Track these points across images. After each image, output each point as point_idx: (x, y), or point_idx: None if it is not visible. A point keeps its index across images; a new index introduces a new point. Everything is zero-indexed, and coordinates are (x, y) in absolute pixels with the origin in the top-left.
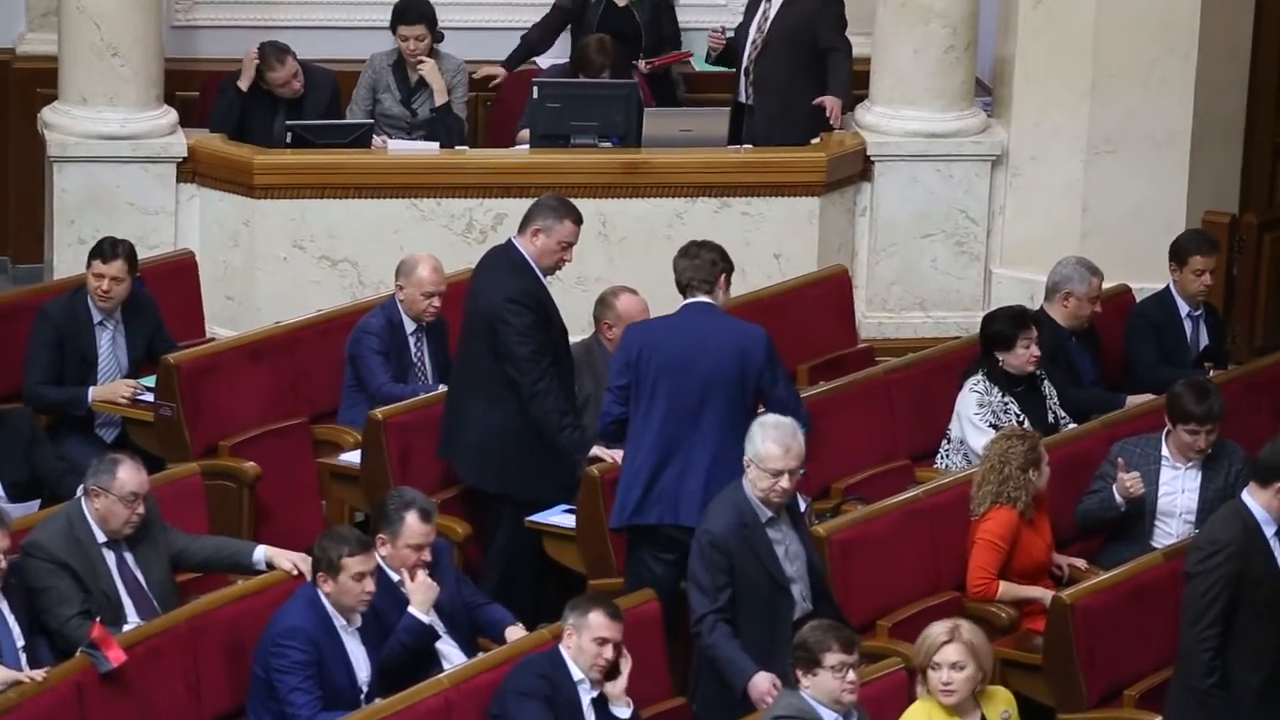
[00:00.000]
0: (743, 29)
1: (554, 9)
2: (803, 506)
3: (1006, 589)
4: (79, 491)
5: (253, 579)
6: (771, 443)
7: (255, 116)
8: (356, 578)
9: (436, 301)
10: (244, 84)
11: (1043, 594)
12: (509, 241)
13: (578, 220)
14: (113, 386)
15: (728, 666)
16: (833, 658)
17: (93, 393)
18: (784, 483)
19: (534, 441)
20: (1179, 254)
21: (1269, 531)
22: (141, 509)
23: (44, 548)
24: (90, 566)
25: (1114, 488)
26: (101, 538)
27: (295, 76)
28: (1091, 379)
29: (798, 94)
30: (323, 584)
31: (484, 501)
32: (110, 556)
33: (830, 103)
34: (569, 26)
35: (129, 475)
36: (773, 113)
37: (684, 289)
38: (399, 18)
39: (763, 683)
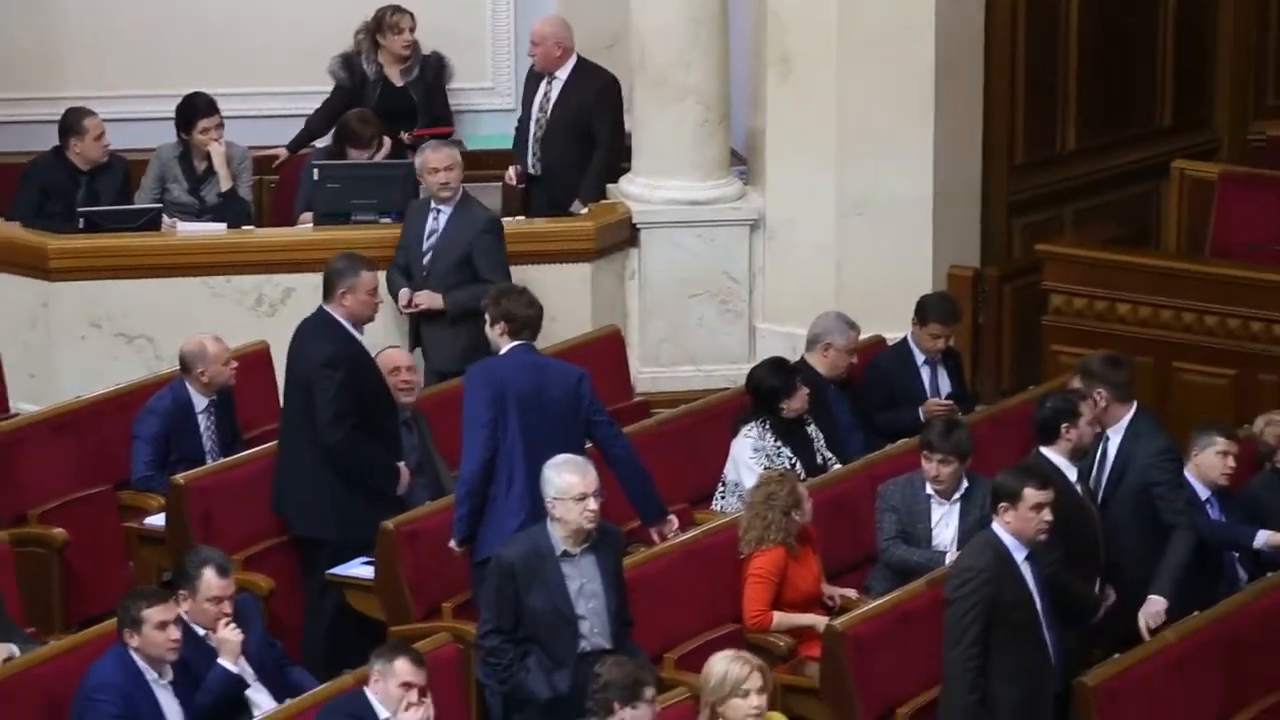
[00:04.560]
0: (526, 103)
1: (334, 91)
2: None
3: (780, 618)
4: None
5: (65, 638)
6: (568, 474)
7: (56, 198)
8: (159, 627)
9: (234, 364)
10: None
11: (814, 620)
12: (320, 309)
13: (371, 267)
14: None
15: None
16: (650, 691)
17: None
18: (591, 504)
19: (359, 491)
20: (921, 314)
21: (1019, 556)
22: None
23: None
24: None
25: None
26: None
27: (103, 136)
28: (849, 424)
29: (579, 172)
30: (129, 639)
31: (306, 551)
32: None
33: (578, 210)
34: (348, 108)
35: None
36: (555, 188)
37: (517, 332)
38: (195, 113)
39: None
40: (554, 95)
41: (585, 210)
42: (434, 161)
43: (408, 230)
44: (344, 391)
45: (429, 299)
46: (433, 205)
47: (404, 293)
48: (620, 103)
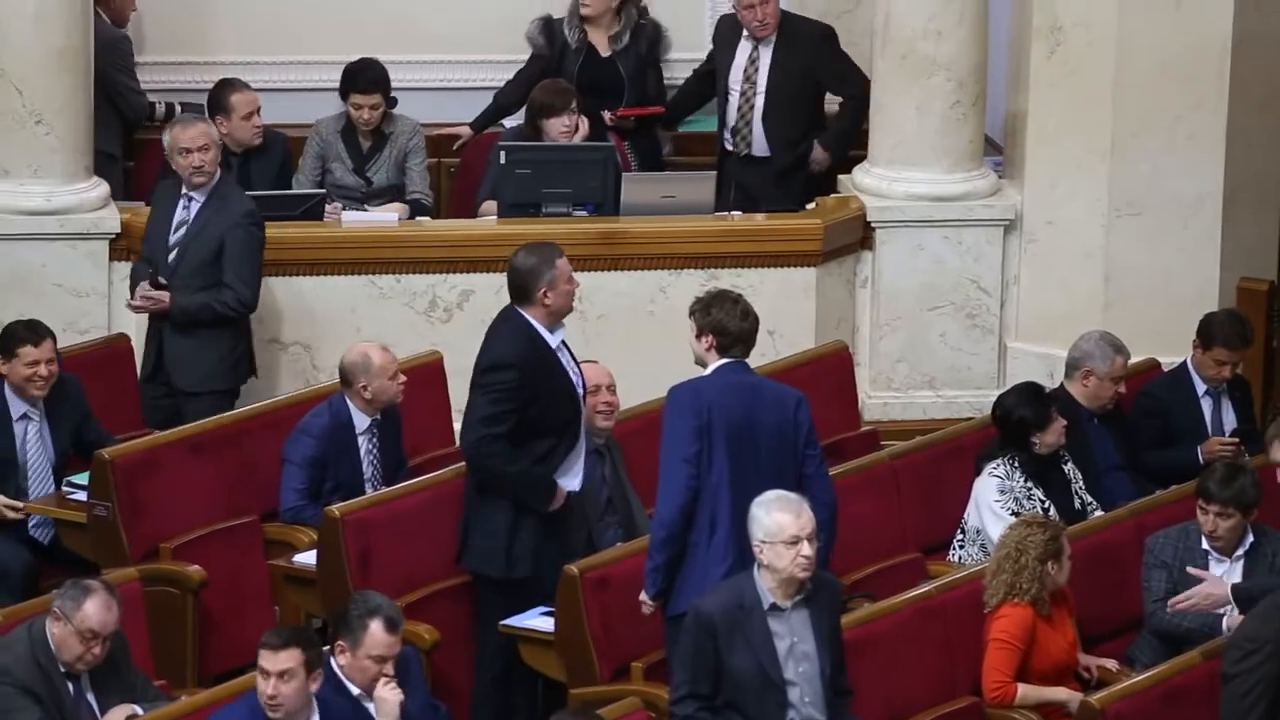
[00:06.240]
0: (718, 73)
1: (530, 60)
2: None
3: (1026, 692)
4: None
5: (198, 694)
6: (779, 512)
7: None
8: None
9: (403, 378)
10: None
11: (1068, 696)
12: (508, 308)
13: (560, 253)
14: None
15: None
16: None
17: None
18: (805, 550)
19: (534, 520)
20: (1205, 337)
21: None
22: (98, 650)
23: (10, 672)
24: (54, 693)
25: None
26: (63, 666)
27: (254, 115)
28: (1113, 465)
29: (810, 149)
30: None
31: (480, 593)
32: (71, 686)
33: (819, 156)
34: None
35: (94, 610)
36: (785, 170)
37: (728, 347)
38: (350, 84)
39: None
40: (764, 61)
41: (826, 156)
42: (184, 140)
43: (154, 216)
44: (507, 399)
45: (159, 297)
46: (184, 191)
47: (142, 286)
48: (839, 48)
